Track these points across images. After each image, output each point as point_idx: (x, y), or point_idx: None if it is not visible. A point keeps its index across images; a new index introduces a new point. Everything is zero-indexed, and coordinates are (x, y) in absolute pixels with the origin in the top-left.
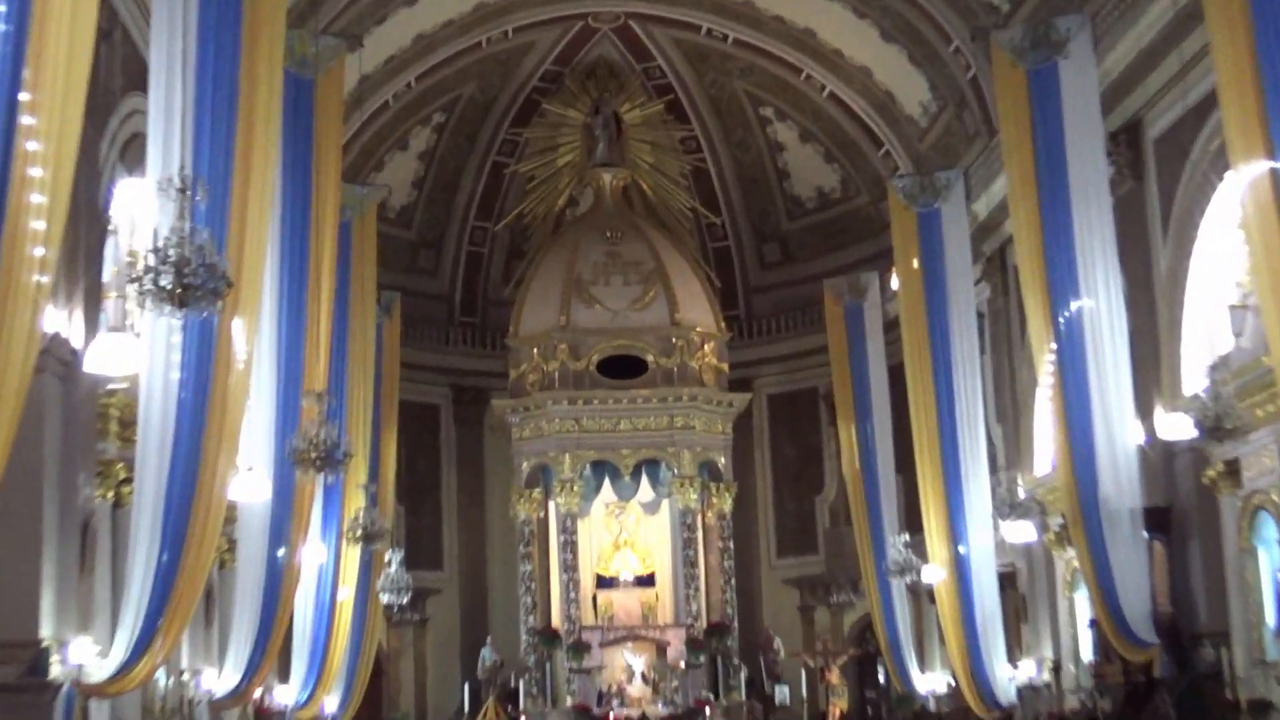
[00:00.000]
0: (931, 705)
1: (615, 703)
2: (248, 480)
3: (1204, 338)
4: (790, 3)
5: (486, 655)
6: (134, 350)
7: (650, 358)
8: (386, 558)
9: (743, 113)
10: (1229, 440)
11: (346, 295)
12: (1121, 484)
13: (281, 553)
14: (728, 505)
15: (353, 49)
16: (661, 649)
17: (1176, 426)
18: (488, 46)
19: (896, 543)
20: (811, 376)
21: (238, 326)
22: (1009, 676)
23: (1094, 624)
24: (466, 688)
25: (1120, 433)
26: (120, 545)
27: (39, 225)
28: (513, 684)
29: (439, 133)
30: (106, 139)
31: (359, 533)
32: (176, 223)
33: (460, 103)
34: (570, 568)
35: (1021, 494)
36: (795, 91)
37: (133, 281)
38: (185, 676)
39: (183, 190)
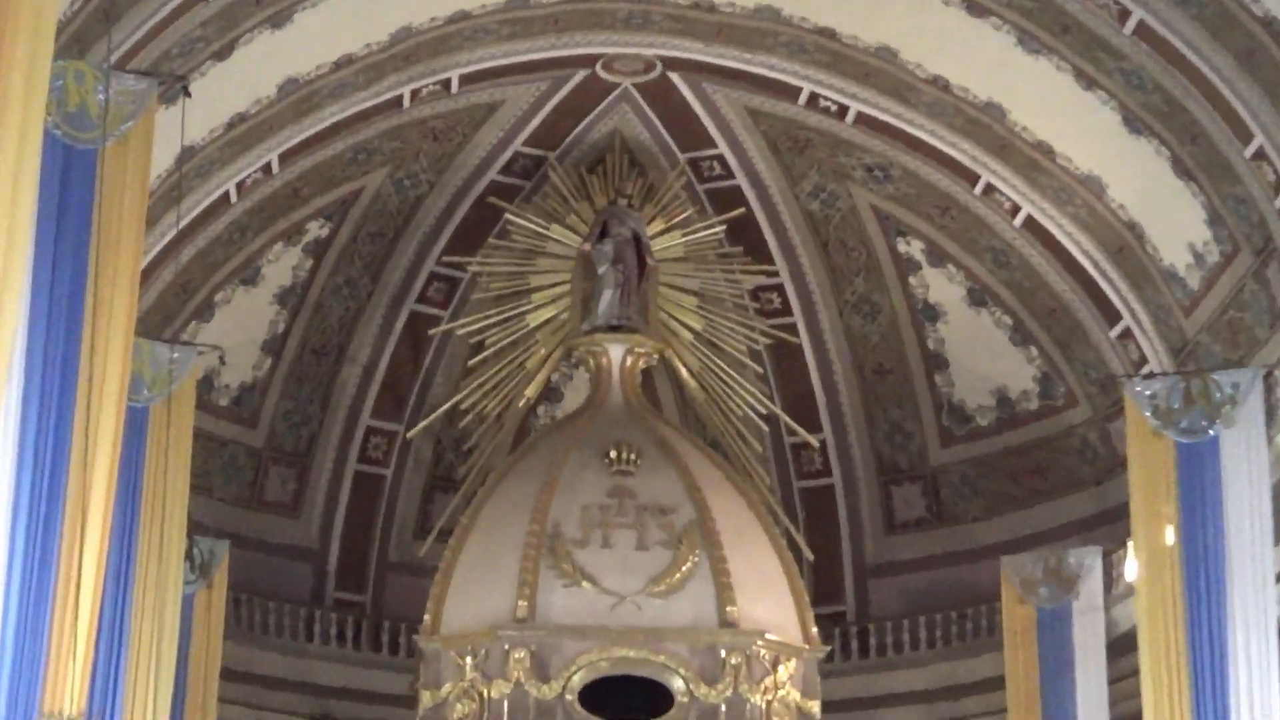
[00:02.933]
0: None
1: None
2: None
3: None
4: (960, 57)
5: None
6: None
7: (680, 684)
8: None
9: (866, 247)
10: None
11: (133, 539)
12: None
13: None
14: None
15: (171, 98)
16: None
17: None
18: (413, 106)
19: None
20: None
21: None
22: None
23: None
24: None
25: None
26: None
27: None
28: None
29: (315, 256)
30: None
31: None
32: None
33: (359, 204)
34: None
35: None
36: (964, 214)
37: None
38: None
39: None
